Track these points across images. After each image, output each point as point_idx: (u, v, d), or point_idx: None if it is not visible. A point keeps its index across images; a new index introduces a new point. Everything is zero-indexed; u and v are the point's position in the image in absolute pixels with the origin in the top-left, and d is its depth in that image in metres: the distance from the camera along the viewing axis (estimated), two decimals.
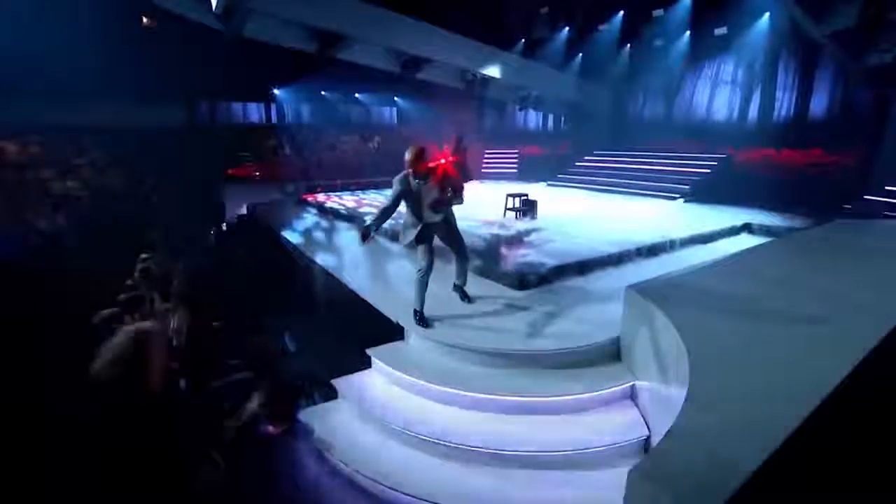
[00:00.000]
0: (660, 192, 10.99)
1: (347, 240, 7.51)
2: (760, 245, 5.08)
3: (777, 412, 2.00)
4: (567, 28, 13.81)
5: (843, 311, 3.15)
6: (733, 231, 7.66)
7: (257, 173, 15.20)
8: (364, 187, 13.87)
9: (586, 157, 14.08)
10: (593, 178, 12.86)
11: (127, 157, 11.67)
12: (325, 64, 12.42)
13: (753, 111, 11.56)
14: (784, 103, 11.05)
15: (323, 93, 17.58)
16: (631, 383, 3.42)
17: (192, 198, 11.00)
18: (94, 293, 3.62)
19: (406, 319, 4.17)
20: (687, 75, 12.76)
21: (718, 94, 12.29)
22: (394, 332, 4.17)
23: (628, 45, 13.34)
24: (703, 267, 4.27)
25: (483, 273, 5.39)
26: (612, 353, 3.73)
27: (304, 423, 3.56)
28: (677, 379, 2.58)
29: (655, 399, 3.08)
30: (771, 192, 9.54)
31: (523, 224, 7.77)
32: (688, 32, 11.97)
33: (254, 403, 3.49)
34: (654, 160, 12.37)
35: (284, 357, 4.75)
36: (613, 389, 3.38)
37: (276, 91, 16.36)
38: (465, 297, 4.56)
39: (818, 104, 10.54)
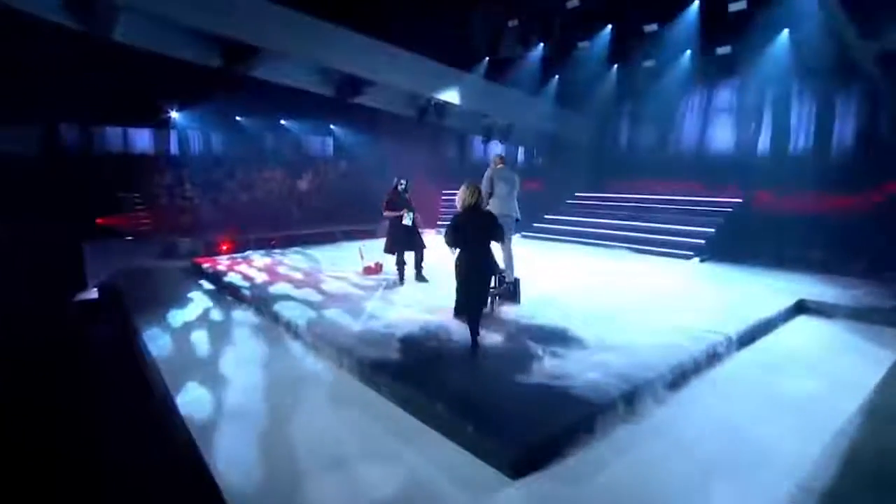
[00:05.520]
0: (667, 248, 9.78)
1: (241, 353, 5.47)
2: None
3: None
4: (541, 45, 12.97)
5: None
6: (788, 314, 6.30)
7: (145, 222, 12.90)
8: (289, 243, 11.91)
9: (568, 202, 13.18)
10: (580, 230, 11.64)
11: None
12: (238, 81, 10.76)
13: (771, 144, 10.84)
14: (802, 134, 10.40)
15: (238, 118, 15.70)
16: None
17: (28, 259, 8.69)
18: None
19: None
20: (686, 102, 12.13)
21: (725, 125, 11.61)
22: None
23: (615, 66, 12.61)
24: None
25: (453, 436, 3.59)
26: None
27: None
28: None
29: None
30: (801, 244, 9.01)
31: (504, 314, 6.04)
32: (688, 52, 11.24)
33: None
34: (654, 206, 11.39)
35: None
36: None
37: (173, 114, 14.27)
38: None
39: (845, 136, 9.88)
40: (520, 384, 4.11)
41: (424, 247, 7.48)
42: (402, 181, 7.64)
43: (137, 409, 4.55)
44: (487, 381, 4.21)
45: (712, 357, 4.88)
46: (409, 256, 7.58)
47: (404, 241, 7.39)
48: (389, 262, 7.91)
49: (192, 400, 4.34)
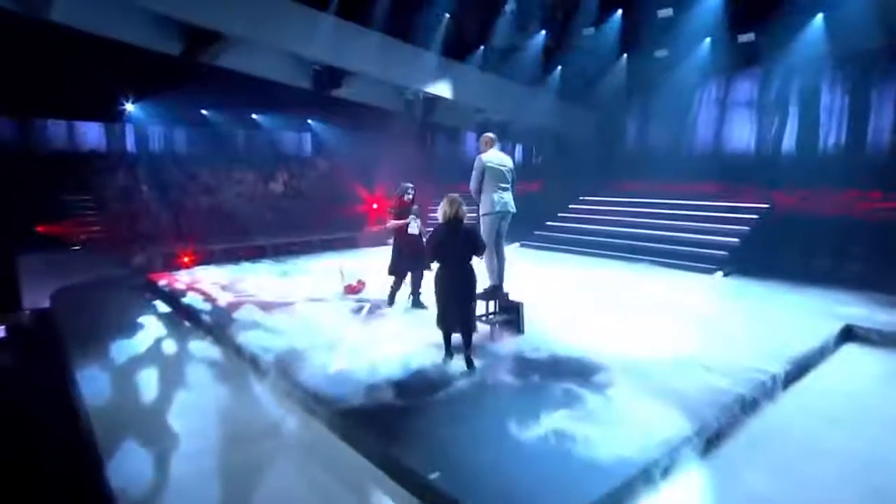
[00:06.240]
0: (686, 260, 9.37)
1: (195, 399, 4.82)
2: None
3: None
4: (543, 32, 12.69)
5: None
6: (834, 343, 5.85)
7: (95, 230, 12.27)
8: (260, 254, 11.37)
9: (571, 207, 12.91)
10: (585, 238, 11.29)
11: None
12: (205, 70, 10.25)
13: (798, 140, 10.59)
14: (834, 129, 10.14)
15: (204, 111, 15.13)
16: None
17: None
18: None
19: None
20: (704, 95, 11.95)
21: (746, 120, 11.39)
22: None
23: (625, 55, 12.36)
24: None
25: None
26: None
27: None
28: None
29: None
30: (834, 255, 8.84)
31: (505, 346, 5.51)
32: (707, 39, 10.93)
33: None
34: (670, 212, 11.06)
35: None
36: None
37: (128, 106, 13.65)
38: None
39: (884, 130, 9.57)
40: (529, 444, 3.57)
41: (427, 268, 6.88)
42: (411, 190, 7.03)
43: (58, 480, 3.95)
44: (488, 440, 3.67)
45: (755, 403, 4.40)
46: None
47: (412, 259, 6.73)
48: (377, 279, 7.37)
49: (127, 465, 3.76)
